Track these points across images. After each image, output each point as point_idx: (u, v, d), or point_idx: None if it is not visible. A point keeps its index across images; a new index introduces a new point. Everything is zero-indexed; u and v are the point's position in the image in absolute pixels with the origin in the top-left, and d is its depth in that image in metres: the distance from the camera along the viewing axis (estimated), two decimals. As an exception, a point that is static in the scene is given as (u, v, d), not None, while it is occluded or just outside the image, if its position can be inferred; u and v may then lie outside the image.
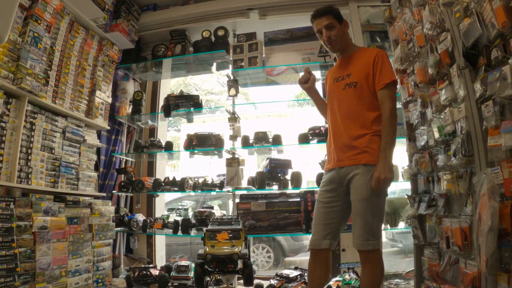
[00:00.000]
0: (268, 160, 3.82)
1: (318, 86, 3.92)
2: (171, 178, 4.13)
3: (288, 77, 4.31)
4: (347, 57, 2.45)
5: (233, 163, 3.85)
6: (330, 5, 2.46)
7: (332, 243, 2.28)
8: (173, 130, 14.66)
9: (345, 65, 2.43)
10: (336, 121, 2.38)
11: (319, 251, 2.29)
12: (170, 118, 4.69)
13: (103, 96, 3.74)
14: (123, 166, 4.35)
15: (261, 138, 3.90)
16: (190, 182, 4.05)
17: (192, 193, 5.48)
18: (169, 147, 4.22)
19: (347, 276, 3.15)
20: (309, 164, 10.25)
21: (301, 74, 3.99)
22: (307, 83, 2.60)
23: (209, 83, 15.46)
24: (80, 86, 3.43)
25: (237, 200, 3.74)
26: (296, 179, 3.72)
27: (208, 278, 3.22)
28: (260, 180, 3.64)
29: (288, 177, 3.80)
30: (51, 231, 2.72)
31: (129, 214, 4.23)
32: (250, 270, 2.94)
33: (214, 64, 4.54)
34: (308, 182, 6.13)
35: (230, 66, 4.19)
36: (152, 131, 4.75)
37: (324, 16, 2.38)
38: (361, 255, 2.21)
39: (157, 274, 3.49)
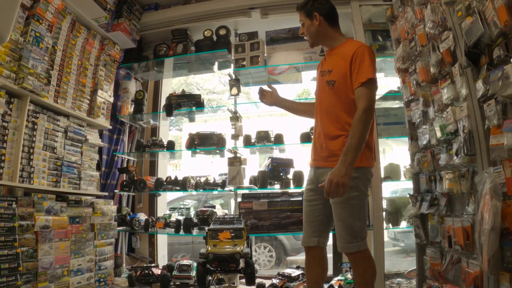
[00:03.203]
0: (270, 159, 3.82)
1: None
2: (173, 178, 4.14)
3: (290, 76, 4.30)
4: (331, 50, 2.36)
5: (235, 162, 3.85)
6: (305, 0, 2.37)
7: (321, 240, 2.28)
8: (175, 129, 14.69)
9: (329, 59, 2.35)
10: (316, 118, 2.35)
11: (311, 249, 2.30)
12: (172, 118, 4.69)
13: (105, 95, 3.75)
14: (125, 165, 4.36)
15: (263, 137, 3.89)
16: (192, 181, 4.06)
17: (194, 193, 5.48)
18: (171, 146, 4.22)
19: (349, 275, 3.17)
20: (311, 163, 10.22)
21: (303, 73, 3.97)
22: (268, 100, 2.55)
23: (211, 82, 15.47)
24: (82, 85, 3.44)
25: (239, 199, 3.74)
26: (298, 178, 3.71)
27: (210, 277, 3.22)
28: (262, 179, 3.64)
29: (290, 176, 3.79)
30: (53, 230, 2.72)
31: (131, 213, 4.25)
32: (252, 269, 2.94)
33: (216, 63, 4.54)
34: (310, 181, 6.12)
35: (232, 65, 4.20)
36: (154, 131, 4.75)
37: (298, 12, 2.38)
38: (349, 257, 2.21)
39: (159, 273, 3.50)
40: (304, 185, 2.47)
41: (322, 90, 2.32)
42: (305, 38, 2.41)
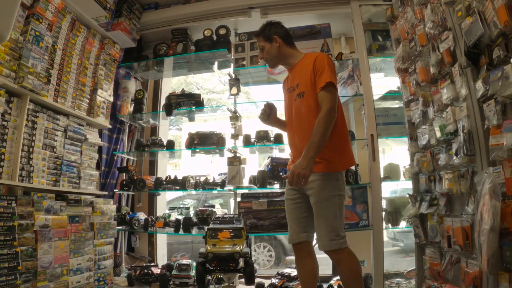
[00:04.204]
0: (269, 159, 3.82)
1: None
2: (172, 177, 4.14)
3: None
4: (293, 67, 2.53)
5: (235, 162, 3.85)
6: (262, 26, 2.57)
7: (309, 235, 2.39)
8: (174, 129, 14.66)
9: (293, 75, 2.53)
10: (291, 130, 2.49)
11: (300, 245, 2.40)
12: (171, 117, 4.69)
13: (105, 95, 3.75)
14: (124, 164, 4.36)
15: (262, 137, 3.90)
16: (192, 180, 4.06)
17: (194, 192, 5.47)
18: (170, 145, 4.22)
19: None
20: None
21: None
22: (268, 118, 2.63)
23: (211, 82, 15.43)
24: (81, 85, 3.44)
25: (239, 199, 3.74)
26: (298, 178, 3.70)
27: (209, 277, 3.22)
28: (261, 179, 3.64)
29: (290, 176, 3.79)
30: (53, 229, 2.72)
31: (130, 212, 4.24)
32: (251, 269, 2.94)
33: (216, 63, 4.54)
34: (310, 181, 6.10)
35: (232, 65, 4.20)
36: (154, 130, 4.76)
37: (257, 38, 2.56)
38: (332, 256, 2.27)
39: (158, 272, 3.51)
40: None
41: (292, 105, 2.46)
42: (264, 61, 2.58)
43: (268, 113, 2.62)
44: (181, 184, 4.00)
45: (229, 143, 4.00)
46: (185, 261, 3.52)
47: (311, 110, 2.32)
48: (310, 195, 2.31)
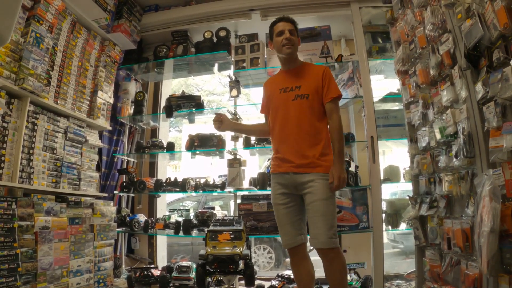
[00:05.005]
0: (269, 160, 3.81)
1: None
2: (172, 179, 4.13)
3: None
4: (293, 69, 2.62)
5: (235, 163, 3.84)
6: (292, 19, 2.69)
7: (305, 237, 2.47)
8: (174, 130, 14.65)
9: (293, 77, 2.58)
10: (286, 130, 2.50)
11: (297, 248, 2.45)
12: (171, 119, 4.69)
13: (105, 96, 3.75)
14: (124, 166, 4.36)
15: (262, 138, 3.89)
16: (192, 182, 4.05)
17: (194, 194, 5.47)
18: (170, 147, 4.22)
19: (348, 277, 3.15)
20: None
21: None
22: (221, 125, 2.76)
23: (211, 84, 15.43)
24: (82, 86, 3.44)
25: (239, 201, 3.73)
26: (298, 180, 3.70)
27: (209, 279, 3.22)
28: (261, 181, 3.64)
29: (290, 178, 3.78)
30: (53, 231, 2.72)
31: (130, 214, 4.24)
32: (251, 270, 2.94)
33: (216, 65, 4.54)
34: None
35: (232, 67, 4.20)
36: (154, 132, 4.75)
37: (290, 23, 2.62)
38: (328, 254, 2.31)
39: (158, 274, 3.50)
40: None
41: (289, 105, 2.51)
42: (285, 44, 2.55)
43: (219, 123, 2.75)
44: (181, 186, 3.99)
45: (229, 145, 4.00)
46: (185, 263, 3.51)
47: (314, 113, 2.45)
48: (308, 193, 2.36)
